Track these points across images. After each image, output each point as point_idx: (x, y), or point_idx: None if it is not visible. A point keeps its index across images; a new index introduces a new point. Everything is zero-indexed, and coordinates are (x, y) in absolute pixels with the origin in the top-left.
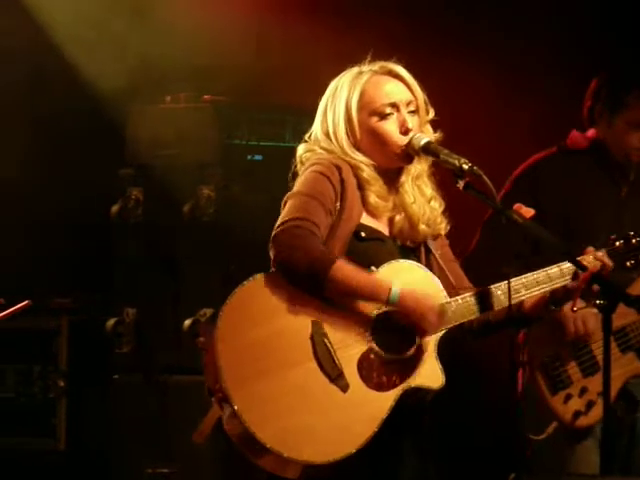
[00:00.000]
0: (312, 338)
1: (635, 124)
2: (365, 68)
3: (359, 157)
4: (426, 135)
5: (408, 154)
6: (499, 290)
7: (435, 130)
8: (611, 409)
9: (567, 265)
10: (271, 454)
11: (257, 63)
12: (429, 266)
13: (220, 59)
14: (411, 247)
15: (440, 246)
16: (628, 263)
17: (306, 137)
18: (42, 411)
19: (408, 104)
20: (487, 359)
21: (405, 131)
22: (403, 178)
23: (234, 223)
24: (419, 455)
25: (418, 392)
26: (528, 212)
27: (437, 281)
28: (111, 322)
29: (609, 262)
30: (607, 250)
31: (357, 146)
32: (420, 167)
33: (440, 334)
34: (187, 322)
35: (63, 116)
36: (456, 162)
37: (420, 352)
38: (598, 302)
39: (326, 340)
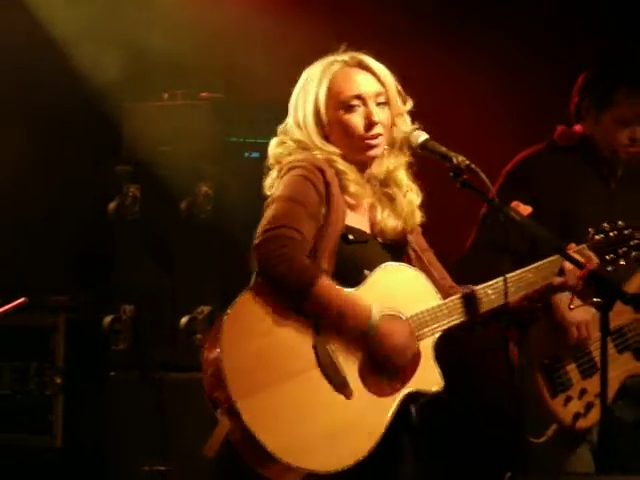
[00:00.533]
0: (315, 346)
1: (622, 121)
2: (336, 58)
3: (329, 148)
4: (424, 132)
5: (370, 146)
6: (490, 289)
7: (425, 126)
8: (608, 409)
9: (553, 262)
10: (279, 464)
11: (255, 60)
12: (410, 261)
13: (218, 56)
14: (392, 244)
15: (415, 237)
16: (607, 257)
17: (280, 128)
18: (39, 408)
19: (377, 96)
20: (482, 358)
21: (370, 124)
22: (375, 171)
23: (231, 220)
24: (415, 454)
25: (417, 396)
26: (525, 210)
27: (429, 283)
28: (108, 319)
29: (594, 257)
30: (587, 245)
31: (327, 137)
32: (395, 161)
33: (436, 337)
34: (184, 319)
35: (59, 113)
36: (454, 159)
37: (419, 356)
38: (595, 300)
39: (329, 348)
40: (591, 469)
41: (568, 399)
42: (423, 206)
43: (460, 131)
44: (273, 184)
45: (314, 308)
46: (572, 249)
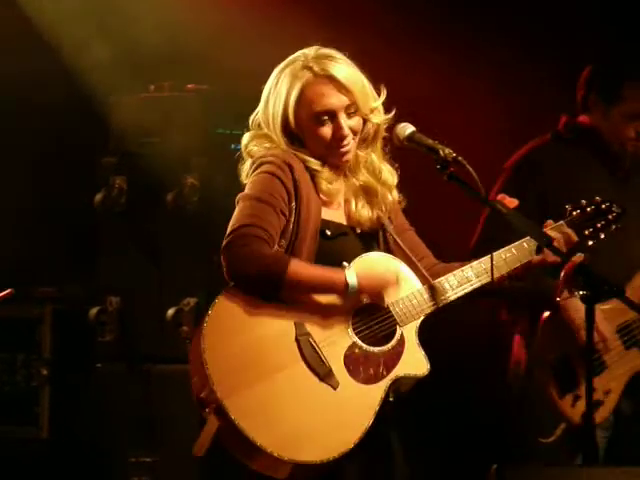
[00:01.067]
0: (297, 339)
1: (631, 116)
2: (307, 64)
3: (297, 148)
4: (410, 125)
5: (341, 154)
6: (468, 272)
7: (417, 122)
8: (592, 403)
9: (532, 241)
10: (270, 458)
11: (242, 52)
12: (388, 247)
13: (205, 48)
14: (371, 233)
15: (394, 219)
16: (586, 231)
17: (250, 119)
18: (25, 399)
19: (346, 108)
20: (472, 351)
21: (340, 137)
22: (350, 157)
23: (218, 212)
24: (401, 443)
25: (404, 381)
26: (512, 202)
27: (408, 269)
28: (94, 311)
29: (571, 233)
30: (565, 221)
31: (298, 138)
32: (367, 151)
33: (419, 322)
34: (170, 311)
35: (46, 105)
36: (440, 152)
37: (402, 341)
38: (581, 293)
39: (311, 340)
40: None
41: (576, 398)
42: (419, 202)
43: (455, 130)
44: (248, 173)
45: (292, 294)
46: (549, 226)
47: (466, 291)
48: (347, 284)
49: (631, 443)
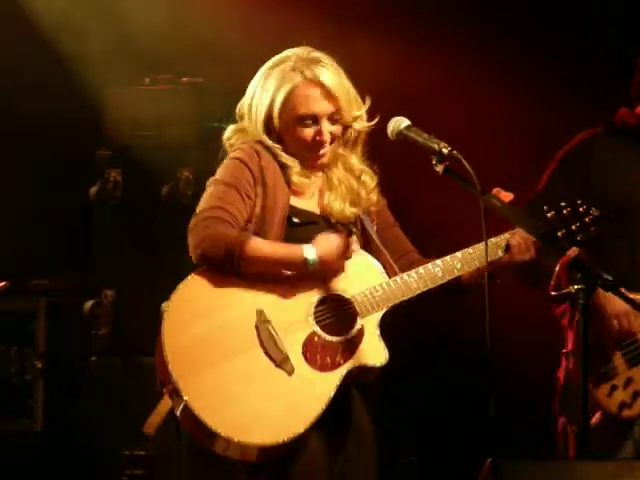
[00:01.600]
0: (257, 325)
1: None
2: (299, 64)
3: (268, 143)
4: (405, 119)
5: (317, 156)
6: (437, 267)
7: (416, 120)
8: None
9: (500, 239)
10: (222, 439)
11: (238, 46)
12: (367, 243)
13: (201, 41)
14: (346, 224)
15: (377, 217)
16: (559, 233)
17: (238, 107)
18: (19, 392)
19: (330, 115)
20: (468, 344)
21: (319, 142)
22: (326, 160)
23: None
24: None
25: (361, 370)
26: (507, 196)
27: (375, 262)
28: (89, 304)
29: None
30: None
31: (272, 133)
32: (347, 152)
33: (381, 314)
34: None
35: (41, 98)
36: (435, 146)
37: (362, 332)
38: (576, 287)
39: (270, 327)
40: None
41: (613, 388)
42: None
43: (453, 126)
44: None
45: (253, 271)
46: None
47: (429, 287)
48: (305, 259)
49: None
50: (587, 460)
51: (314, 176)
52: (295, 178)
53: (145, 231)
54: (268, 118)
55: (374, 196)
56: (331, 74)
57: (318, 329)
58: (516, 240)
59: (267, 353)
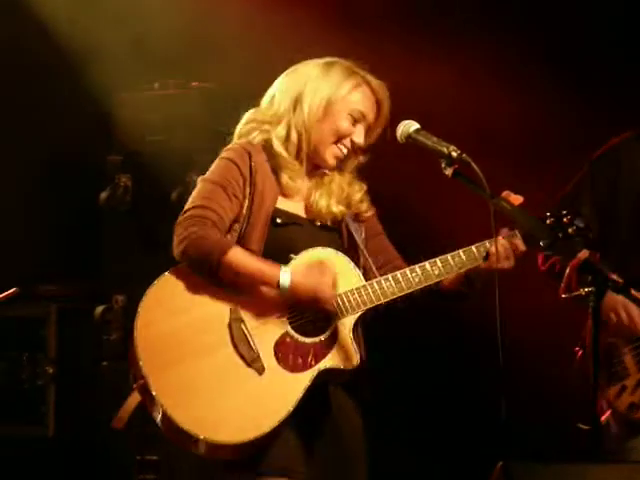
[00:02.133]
0: (229, 325)
1: None
2: (359, 71)
3: (280, 143)
4: (415, 122)
5: (336, 155)
6: (414, 273)
7: (423, 122)
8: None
9: (481, 246)
10: (188, 436)
11: (247, 50)
12: (351, 246)
13: (211, 46)
14: (332, 227)
15: (363, 224)
16: (542, 243)
17: (263, 101)
18: (31, 398)
19: (369, 125)
20: (480, 346)
21: (351, 141)
22: (335, 163)
23: None
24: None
25: (333, 372)
26: (517, 199)
27: (354, 267)
28: (100, 309)
29: (520, 243)
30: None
31: (297, 127)
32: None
33: (356, 316)
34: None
35: (51, 103)
36: (445, 149)
37: (336, 334)
38: (587, 289)
39: (243, 326)
40: None
41: (623, 388)
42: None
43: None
44: None
45: (227, 279)
46: (504, 235)
47: (405, 292)
48: (279, 283)
49: None
50: (600, 463)
51: (304, 180)
52: (284, 180)
53: (155, 236)
54: (326, 109)
55: (364, 204)
56: (387, 97)
57: (291, 329)
58: (496, 248)
59: (238, 351)
